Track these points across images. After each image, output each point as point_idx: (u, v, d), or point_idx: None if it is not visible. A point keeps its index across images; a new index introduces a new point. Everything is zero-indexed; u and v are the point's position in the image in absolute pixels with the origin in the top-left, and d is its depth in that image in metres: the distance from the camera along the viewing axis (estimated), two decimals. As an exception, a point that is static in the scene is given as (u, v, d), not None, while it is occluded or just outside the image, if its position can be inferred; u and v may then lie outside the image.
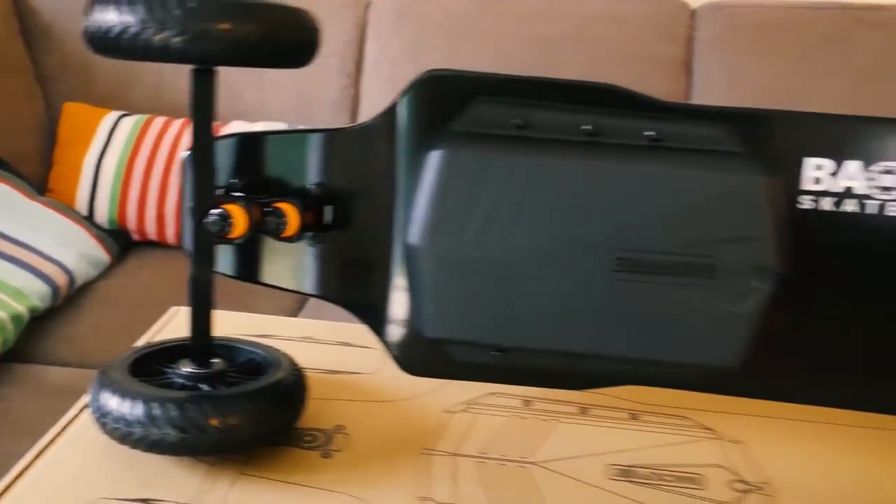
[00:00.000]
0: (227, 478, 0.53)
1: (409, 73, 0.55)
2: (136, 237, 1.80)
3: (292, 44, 0.52)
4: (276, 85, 1.82)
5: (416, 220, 0.52)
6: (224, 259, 0.61)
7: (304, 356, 0.61)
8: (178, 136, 1.77)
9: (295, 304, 1.57)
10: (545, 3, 1.71)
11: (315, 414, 0.59)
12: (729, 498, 0.52)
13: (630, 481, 0.54)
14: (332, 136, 0.57)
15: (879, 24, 1.63)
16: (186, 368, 0.56)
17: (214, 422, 0.50)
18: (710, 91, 1.64)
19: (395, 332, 0.56)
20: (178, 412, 0.50)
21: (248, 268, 0.62)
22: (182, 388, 0.55)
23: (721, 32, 1.66)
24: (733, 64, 1.65)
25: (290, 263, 0.60)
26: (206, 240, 0.54)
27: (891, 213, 0.50)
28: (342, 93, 1.78)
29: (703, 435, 0.59)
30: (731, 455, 0.57)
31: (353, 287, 0.59)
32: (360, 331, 0.62)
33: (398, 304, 0.55)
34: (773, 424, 0.60)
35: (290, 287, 0.61)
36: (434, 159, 0.52)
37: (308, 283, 0.60)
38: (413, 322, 0.54)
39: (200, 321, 0.56)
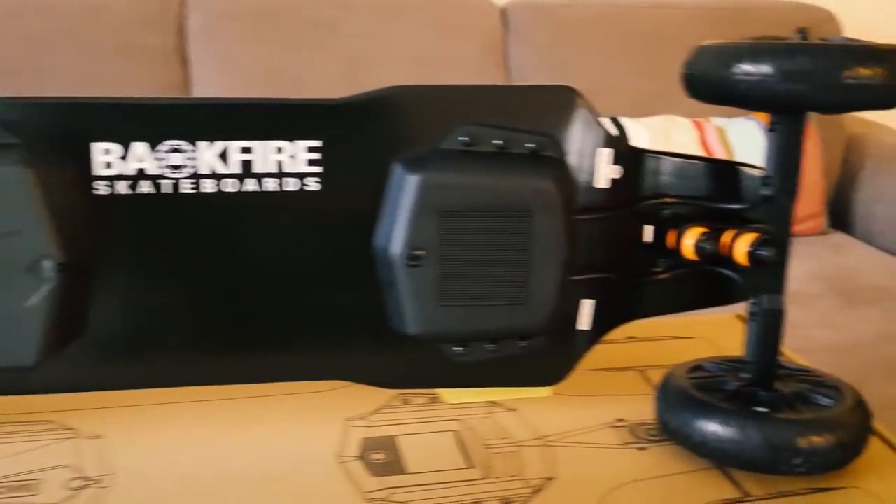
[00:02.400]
0: None
1: None
2: None
3: None
4: None
5: None
6: None
7: None
8: None
9: None
10: (24, -4, 1.61)
11: None
12: (60, 498, 0.51)
13: (-44, 503, 0.50)
14: None
15: (368, 8, 1.73)
16: None
17: None
18: (207, 80, 1.64)
19: None
20: None
21: None
22: None
23: (212, 20, 1.67)
24: (227, 51, 1.66)
25: None
26: None
27: (185, 191, 0.51)
28: None
29: (61, 436, 0.57)
30: (83, 452, 0.55)
31: None
32: None
33: None
34: (134, 414, 0.59)
35: None
36: None
37: None
38: None
39: None
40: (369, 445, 0.57)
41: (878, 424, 0.59)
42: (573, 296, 0.57)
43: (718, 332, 0.74)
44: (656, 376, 0.65)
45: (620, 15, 1.91)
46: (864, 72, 0.49)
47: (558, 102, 0.55)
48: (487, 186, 0.53)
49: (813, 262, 1.74)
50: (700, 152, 1.77)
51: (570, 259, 0.55)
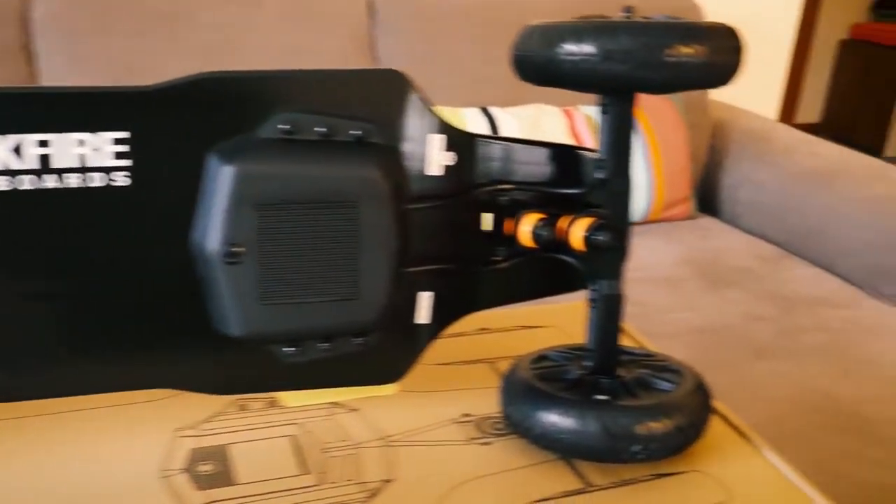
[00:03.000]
0: None
1: None
2: None
3: None
4: None
5: None
6: None
7: None
8: None
9: None
10: None
11: None
12: None
13: None
14: None
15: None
16: None
17: None
18: (55, 75, 1.55)
19: None
20: None
21: None
22: None
23: (58, 12, 1.58)
24: (77, 44, 1.58)
25: None
26: None
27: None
28: None
29: None
30: None
31: None
32: None
33: None
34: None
35: None
36: None
37: None
38: None
39: None
40: (197, 456, 0.53)
41: (718, 404, 0.59)
42: (409, 289, 0.55)
43: (570, 319, 0.73)
44: (506, 368, 0.63)
45: (488, 4, 1.91)
46: (685, 50, 0.48)
47: (386, 87, 0.52)
48: (309, 176, 0.50)
49: (681, 246, 1.77)
50: (570, 140, 1.78)
51: (402, 250, 0.53)
